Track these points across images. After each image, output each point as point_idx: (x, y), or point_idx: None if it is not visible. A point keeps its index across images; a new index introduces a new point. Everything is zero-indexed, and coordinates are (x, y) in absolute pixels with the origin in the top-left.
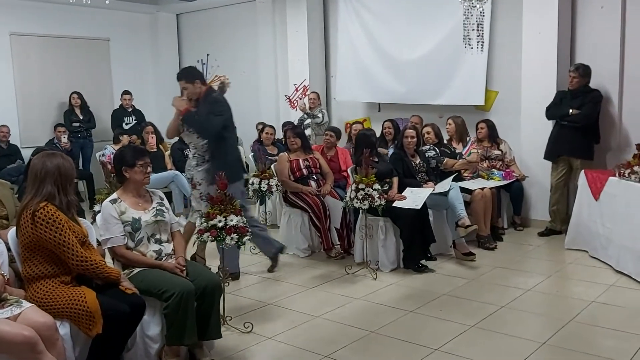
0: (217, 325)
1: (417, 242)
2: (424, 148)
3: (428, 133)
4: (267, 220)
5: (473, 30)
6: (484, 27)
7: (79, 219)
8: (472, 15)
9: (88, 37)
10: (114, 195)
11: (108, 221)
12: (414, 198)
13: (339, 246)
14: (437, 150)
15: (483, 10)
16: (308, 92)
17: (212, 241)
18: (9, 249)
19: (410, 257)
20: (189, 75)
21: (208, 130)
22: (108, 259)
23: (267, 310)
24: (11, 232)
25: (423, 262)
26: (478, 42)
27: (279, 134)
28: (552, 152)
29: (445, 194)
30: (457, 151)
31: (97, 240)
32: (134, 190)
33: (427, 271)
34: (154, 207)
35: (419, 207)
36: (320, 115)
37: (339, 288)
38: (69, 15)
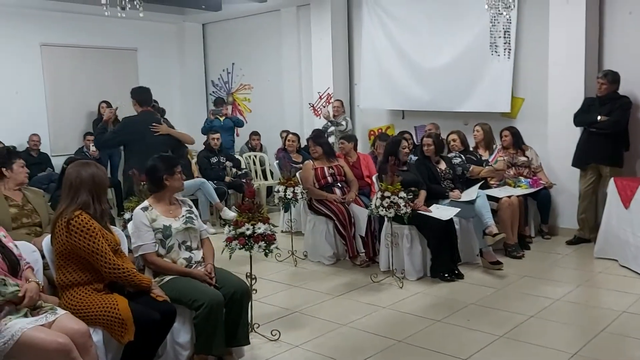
0: (246, 332)
1: (445, 252)
2: (449, 155)
3: (454, 140)
4: (292, 228)
5: (500, 37)
6: (511, 34)
7: (111, 227)
8: (498, 23)
9: (116, 47)
10: (145, 203)
11: (139, 228)
12: (439, 214)
13: (364, 254)
14: (463, 157)
15: (510, 17)
16: (332, 100)
17: (240, 249)
18: (43, 257)
19: (438, 266)
20: (133, 93)
21: (98, 141)
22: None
23: (293, 318)
24: (45, 240)
25: (449, 273)
26: (505, 49)
27: (304, 142)
28: (581, 160)
29: (472, 202)
30: (483, 158)
31: (129, 248)
32: (167, 198)
33: (454, 280)
34: (183, 215)
35: (444, 218)
36: (344, 123)
37: (365, 296)
38: (97, 26)
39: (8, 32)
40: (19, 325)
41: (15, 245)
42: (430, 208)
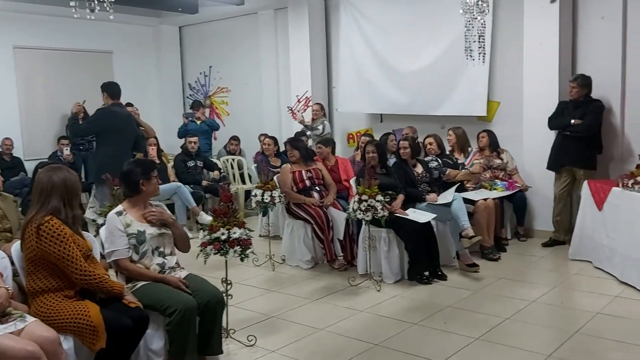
0: (219, 340)
1: (422, 255)
2: (426, 159)
3: (430, 144)
4: (270, 232)
5: (474, 41)
6: (485, 38)
7: (83, 232)
8: (473, 27)
9: (91, 50)
10: (120, 208)
11: (113, 233)
12: (416, 217)
13: (342, 258)
14: (440, 160)
15: (484, 21)
16: (310, 104)
17: (215, 254)
18: (12, 263)
19: (415, 269)
20: (104, 87)
21: (74, 130)
22: (109, 272)
23: (270, 323)
24: (15, 246)
25: (427, 274)
26: (480, 53)
27: (283, 146)
28: (555, 163)
29: (448, 204)
30: (459, 162)
31: (101, 253)
32: (142, 203)
33: (431, 283)
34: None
35: (420, 220)
36: (320, 127)
37: (343, 300)
38: (72, 29)
39: None
40: None
41: None
42: (407, 212)
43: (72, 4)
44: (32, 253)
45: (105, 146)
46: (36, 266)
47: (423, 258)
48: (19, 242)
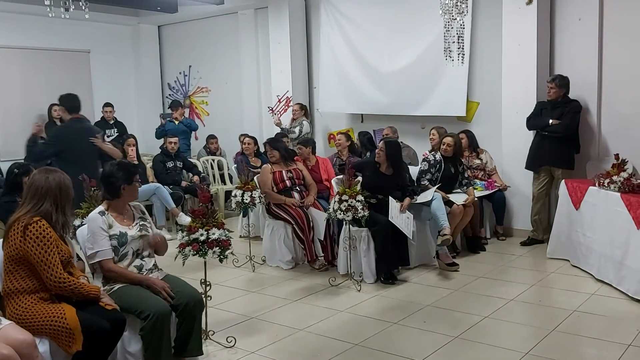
0: (199, 342)
1: (389, 253)
2: (429, 158)
3: (449, 145)
4: (250, 233)
5: (453, 42)
6: (464, 39)
7: (67, 237)
8: (452, 28)
9: (68, 49)
10: (101, 208)
11: (96, 233)
12: (400, 218)
13: (322, 258)
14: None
15: (463, 22)
16: (291, 104)
17: (193, 255)
18: None
19: (380, 268)
20: (61, 100)
21: (32, 155)
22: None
23: (250, 324)
24: None
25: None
26: (459, 54)
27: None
28: (534, 162)
29: (427, 203)
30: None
31: (77, 255)
32: (121, 206)
33: (396, 284)
34: (137, 222)
35: (390, 219)
36: (296, 129)
37: (323, 300)
38: (48, 27)
39: None
40: None
41: None
42: (400, 213)
43: (46, 2)
44: (15, 252)
45: (67, 168)
46: (16, 265)
47: (390, 257)
48: None
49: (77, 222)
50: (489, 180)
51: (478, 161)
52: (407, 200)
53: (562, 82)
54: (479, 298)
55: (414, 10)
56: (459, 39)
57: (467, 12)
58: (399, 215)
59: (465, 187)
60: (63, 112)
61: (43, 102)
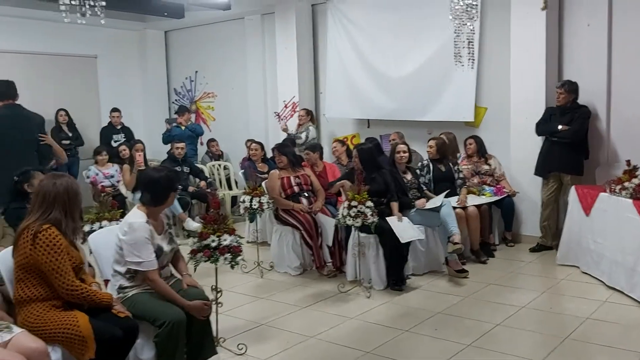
0: (211, 343)
1: (394, 262)
2: (423, 162)
3: (430, 147)
4: (258, 238)
5: (464, 47)
6: (474, 44)
7: (78, 243)
8: (462, 33)
9: (75, 55)
10: (144, 216)
11: (141, 243)
12: (400, 232)
13: (331, 264)
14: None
15: (473, 27)
16: (298, 109)
17: (205, 261)
18: None
19: (390, 275)
20: None
21: None
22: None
23: (260, 331)
24: (1, 254)
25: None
26: (469, 59)
27: (270, 151)
28: (543, 168)
29: (437, 209)
30: (456, 167)
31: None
32: (159, 213)
33: (404, 290)
34: (165, 230)
35: (401, 240)
36: (302, 135)
37: (333, 307)
38: (55, 32)
39: None
40: None
41: None
42: (403, 222)
43: (62, 7)
44: (25, 260)
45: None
46: (27, 273)
47: (396, 265)
48: (5, 250)
49: (86, 227)
50: (498, 186)
51: (486, 167)
52: (393, 206)
53: (571, 88)
54: (490, 305)
55: (421, 15)
56: (469, 44)
57: (477, 17)
58: (402, 228)
59: (459, 189)
60: None
61: (50, 107)
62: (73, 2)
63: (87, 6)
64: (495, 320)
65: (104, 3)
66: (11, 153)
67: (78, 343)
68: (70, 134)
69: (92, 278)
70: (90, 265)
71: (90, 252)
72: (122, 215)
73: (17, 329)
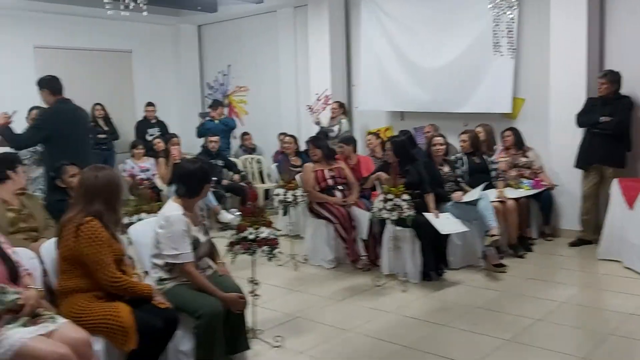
0: (245, 338)
1: (429, 255)
2: (456, 155)
3: (464, 141)
4: (291, 231)
5: (503, 37)
6: (514, 33)
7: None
8: (502, 22)
9: (111, 49)
10: (180, 209)
11: (178, 235)
12: (440, 225)
13: (365, 257)
14: (465, 159)
15: (513, 16)
16: (330, 102)
17: (242, 254)
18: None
19: (425, 267)
20: (42, 82)
21: (17, 142)
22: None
23: (296, 323)
24: (44, 245)
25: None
26: (509, 48)
27: (302, 144)
28: (584, 161)
29: (474, 202)
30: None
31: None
32: (194, 205)
33: (441, 282)
34: (200, 221)
35: (441, 231)
36: (335, 128)
37: (368, 301)
38: (91, 28)
39: (1, 35)
40: (18, 335)
41: (14, 251)
42: (442, 216)
43: (106, 0)
44: (69, 252)
45: (58, 151)
46: (70, 265)
47: (430, 258)
48: (48, 241)
49: (125, 220)
50: (536, 179)
51: (524, 159)
52: (428, 199)
53: (614, 78)
54: (529, 300)
55: (456, 5)
56: (508, 33)
57: (517, 5)
58: (441, 222)
59: (495, 180)
60: (47, 94)
61: (86, 102)
62: None
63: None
64: (535, 316)
65: None
66: (73, 146)
67: (120, 333)
68: (106, 128)
69: (133, 269)
70: (130, 257)
71: (130, 243)
72: (160, 207)
73: (61, 320)
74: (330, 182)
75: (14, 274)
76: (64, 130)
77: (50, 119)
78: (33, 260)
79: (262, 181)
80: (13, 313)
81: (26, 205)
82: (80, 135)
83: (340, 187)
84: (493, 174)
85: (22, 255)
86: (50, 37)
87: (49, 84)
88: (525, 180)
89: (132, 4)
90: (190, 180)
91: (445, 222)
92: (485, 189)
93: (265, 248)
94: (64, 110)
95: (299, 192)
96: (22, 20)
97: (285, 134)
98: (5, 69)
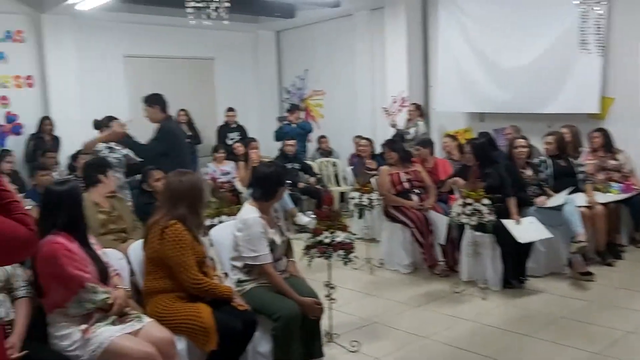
0: (320, 345)
1: (509, 262)
2: (540, 158)
3: (549, 143)
4: (367, 235)
5: (591, 33)
6: (603, 29)
7: (201, 237)
8: (589, 18)
9: (194, 57)
10: (257, 211)
11: (256, 237)
12: (519, 233)
13: (443, 263)
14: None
15: (603, 12)
16: (406, 104)
17: (318, 257)
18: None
19: (505, 274)
20: (153, 100)
21: (144, 153)
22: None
23: (373, 329)
24: (132, 246)
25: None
26: (597, 45)
27: (378, 147)
28: None
29: (558, 207)
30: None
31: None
32: (270, 208)
33: (522, 289)
34: (276, 224)
35: (519, 240)
36: (411, 130)
37: (446, 307)
38: (176, 37)
39: (93, 45)
40: (107, 333)
41: (104, 252)
42: (524, 221)
43: (188, 10)
44: (155, 254)
45: (174, 165)
46: (155, 266)
47: (510, 265)
48: (135, 242)
49: (208, 222)
50: (626, 182)
51: (614, 162)
52: (510, 203)
53: None
54: (619, 311)
55: (539, 3)
56: (597, 30)
57: (606, 1)
58: (523, 229)
59: (582, 184)
60: (159, 111)
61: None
62: (200, 5)
63: (212, 9)
64: (626, 328)
65: (228, 4)
66: (185, 161)
67: (201, 334)
68: (190, 133)
69: (214, 271)
70: (211, 259)
71: (212, 245)
72: (239, 210)
73: (146, 319)
74: (406, 185)
75: (104, 275)
76: (176, 146)
77: (168, 135)
78: (121, 261)
79: (338, 184)
80: (103, 312)
81: (116, 207)
82: (186, 151)
83: (416, 191)
84: (580, 177)
85: (111, 256)
86: (138, 47)
87: (160, 102)
88: (614, 184)
89: (213, 14)
90: (266, 183)
91: (526, 229)
92: (571, 193)
93: (340, 252)
94: (176, 128)
95: (374, 195)
96: (112, 31)
97: (360, 137)
98: (98, 77)
